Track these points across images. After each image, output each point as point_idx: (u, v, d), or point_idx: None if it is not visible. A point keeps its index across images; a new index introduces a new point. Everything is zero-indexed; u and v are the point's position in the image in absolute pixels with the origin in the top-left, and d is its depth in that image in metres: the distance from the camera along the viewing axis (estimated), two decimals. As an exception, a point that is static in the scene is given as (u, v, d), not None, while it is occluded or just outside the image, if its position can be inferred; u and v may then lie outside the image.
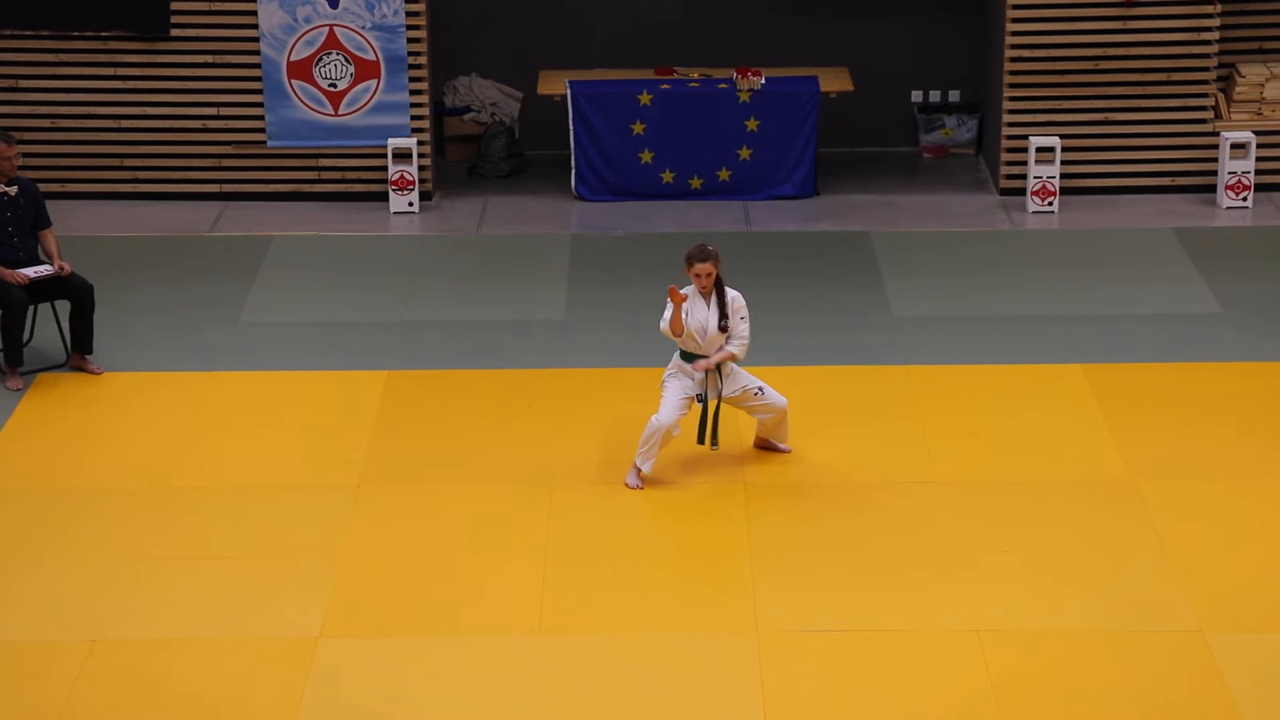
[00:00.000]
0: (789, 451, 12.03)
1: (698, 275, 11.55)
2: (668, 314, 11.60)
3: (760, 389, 11.77)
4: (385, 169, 16.34)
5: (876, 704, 9.69)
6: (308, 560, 11.00)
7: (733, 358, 11.66)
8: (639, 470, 11.72)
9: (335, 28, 16.19)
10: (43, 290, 13.31)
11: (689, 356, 11.67)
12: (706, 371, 11.63)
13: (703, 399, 11.68)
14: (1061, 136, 16.25)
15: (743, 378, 11.78)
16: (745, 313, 11.68)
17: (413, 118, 16.37)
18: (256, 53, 16.23)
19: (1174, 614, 10.40)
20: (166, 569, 10.93)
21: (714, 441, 11.81)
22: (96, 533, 11.32)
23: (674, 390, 11.68)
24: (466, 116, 17.41)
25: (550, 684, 9.88)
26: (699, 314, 11.58)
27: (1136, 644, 10.14)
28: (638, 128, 16.50)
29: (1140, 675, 9.88)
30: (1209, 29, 16.15)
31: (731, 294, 11.67)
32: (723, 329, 11.59)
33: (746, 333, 11.68)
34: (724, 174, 16.58)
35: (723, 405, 11.84)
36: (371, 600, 10.63)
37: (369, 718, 9.65)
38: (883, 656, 10.05)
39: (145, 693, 9.83)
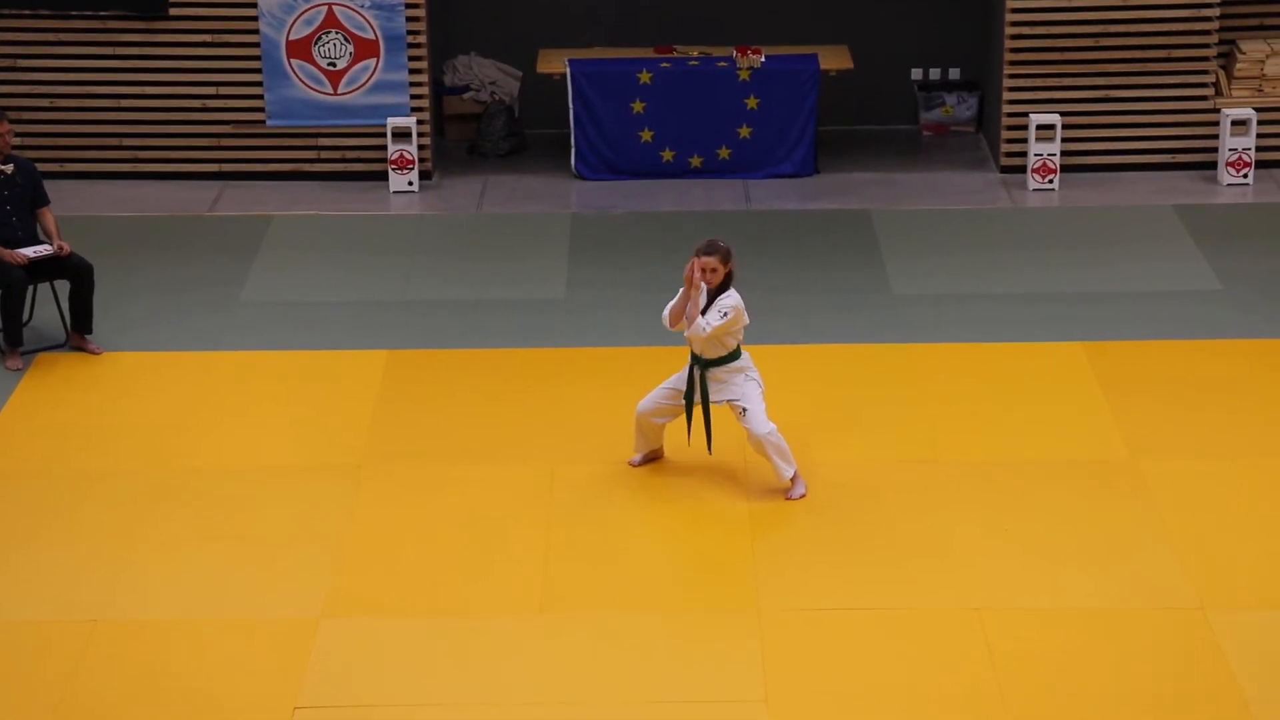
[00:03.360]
0: (786, 485, 11.34)
1: (703, 269, 11.08)
2: (673, 301, 11.18)
3: (745, 410, 11.19)
4: (385, 148, 16.32)
5: (877, 682, 9.69)
6: (308, 540, 11.00)
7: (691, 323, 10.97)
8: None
9: (334, 6, 16.16)
10: (42, 270, 13.30)
11: (693, 355, 11.33)
12: (693, 374, 11.29)
13: (687, 398, 11.41)
14: (1062, 114, 16.22)
15: (734, 390, 11.24)
16: (730, 310, 10.99)
17: (412, 97, 16.34)
18: (255, 32, 16.20)
19: (1175, 592, 10.40)
20: (167, 549, 10.93)
21: (708, 445, 11.45)
22: (96, 513, 11.31)
23: (666, 381, 11.46)
24: (466, 95, 17.38)
25: (552, 664, 9.88)
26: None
27: (1138, 622, 10.14)
28: (637, 106, 16.47)
29: (1141, 653, 9.88)
30: (1209, 5, 16.11)
31: (728, 294, 11.10)
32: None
33: (714, 321, 10.96)
34: (724, 152, 16.56)
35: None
36: (372, 581, 10.63)
37: (369, 698, 9.65)
38: (884, 635, 10.05)
39: (146, 673, 9.84)
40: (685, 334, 11.23)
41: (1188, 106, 16.34)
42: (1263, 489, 11.42)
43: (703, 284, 11.15)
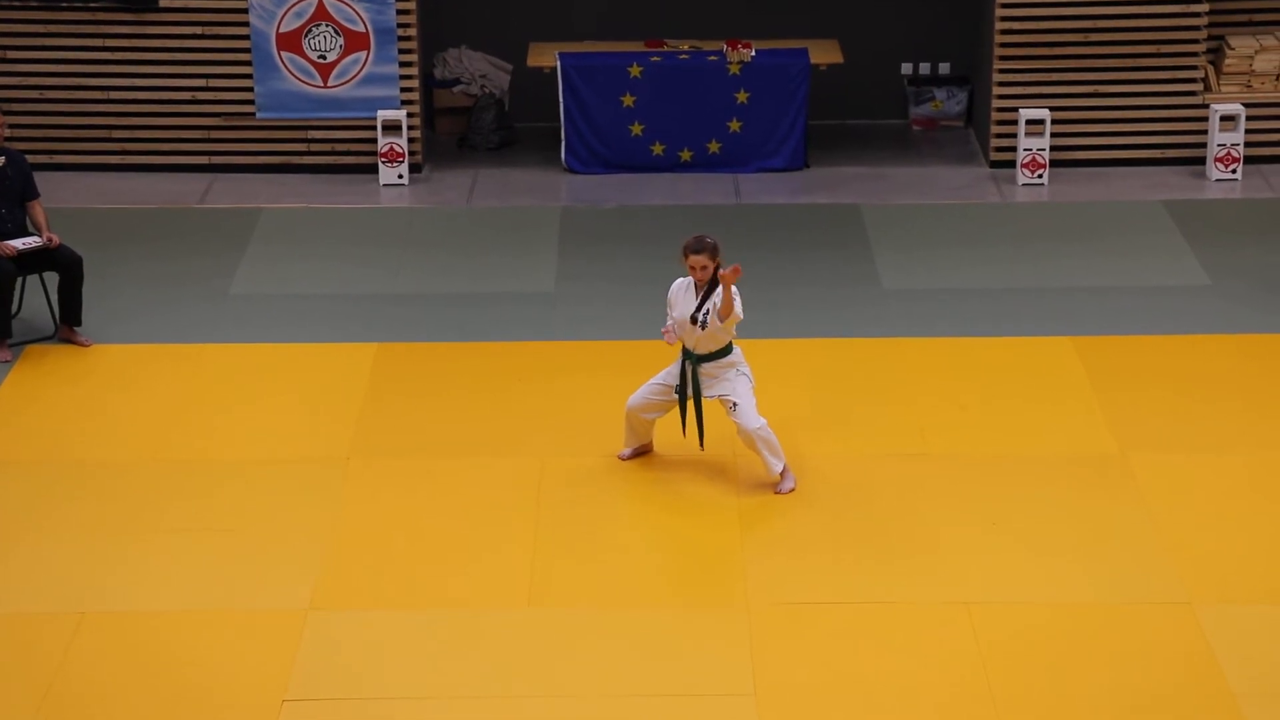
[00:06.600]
0: (775, 479, 11.35)
1: (693, 267, 11.08)
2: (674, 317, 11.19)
3: (735, 405, 11.18)
4: (375, 141, 16.31)
5: (866, 676, 9.70)
6: (297, 533, 10.99)
7: (733, 315, 10.92)
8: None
9: (324, -1, 16.17)
10: (31, 262, 13.29)
11: (685, 350, 11.33)
12: (685, 367, 11.26)
13: (679, 393, 11.39)
14: (1051, 109, 16.24)
15: (724, 386, 11.22)
16: (736, 296, 10.90)
17: (402, 90, 16.34)
18: (245, 24, 16.18)
19: (1163, 586, 10.42)
20: (156, 541, 10.92)
21: (699, 441, 11.46)
22: (86, 505, 11.31)
23: (656, 377, 11.46)
24: (456, 89, 17.37)
25: (539, 658, 9.89)
26: (686, 306, 11.17)
27: (1126, 616, 10.15)
28: (628, 100, 16.47)
29: (1129, 647, 9.89)
30: (1198, 1, 16.14)
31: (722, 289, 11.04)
32: (694, 319, 11.10)
33: (737, 308, 10.95)
34: (714, 146, 16.56)
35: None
36: (361, 573, 10.63)
37: (358, 690, 9.66)
38: (872, 629, 10.06)
39: (134, 664, 9.83)
40: (693, 334, 11.20)
41: (1177, 102, 16.36)
42: (1252, 483, 11.44)
43: (694, 281, 11.18)
